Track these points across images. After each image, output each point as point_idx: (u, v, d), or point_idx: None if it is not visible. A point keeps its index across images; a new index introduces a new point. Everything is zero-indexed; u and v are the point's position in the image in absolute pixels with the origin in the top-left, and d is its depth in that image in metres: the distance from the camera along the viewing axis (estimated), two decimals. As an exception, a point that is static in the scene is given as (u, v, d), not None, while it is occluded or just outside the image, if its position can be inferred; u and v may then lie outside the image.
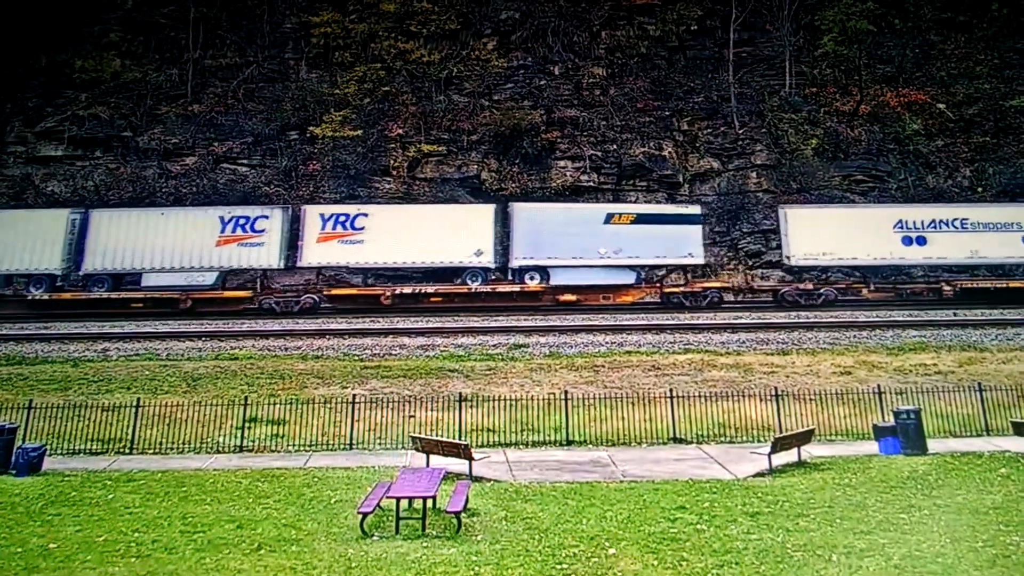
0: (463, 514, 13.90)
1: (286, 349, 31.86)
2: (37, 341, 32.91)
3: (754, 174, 51.82)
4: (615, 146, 52.36)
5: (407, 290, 41.69)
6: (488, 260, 41.85)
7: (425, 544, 12.74)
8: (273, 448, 21.34)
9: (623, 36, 58.25)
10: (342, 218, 42.32)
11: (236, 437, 21.61)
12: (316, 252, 41.66)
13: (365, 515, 13.49)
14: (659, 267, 44.62)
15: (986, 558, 11.80)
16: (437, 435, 20.97)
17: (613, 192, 51.42)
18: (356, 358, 30.45)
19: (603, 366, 28.76)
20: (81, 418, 21.96)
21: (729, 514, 14.46)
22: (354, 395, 23.48)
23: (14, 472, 17.98)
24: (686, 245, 42.41)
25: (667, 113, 54.16)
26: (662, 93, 55.32)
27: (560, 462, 19.79)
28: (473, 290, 41.60)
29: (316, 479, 17.55)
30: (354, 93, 53.89)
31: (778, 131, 52.64)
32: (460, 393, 23.96)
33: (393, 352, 31.41)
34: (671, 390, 23.64)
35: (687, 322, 36.29)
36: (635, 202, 49.83)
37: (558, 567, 11.66)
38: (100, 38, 57.37)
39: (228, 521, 14.10)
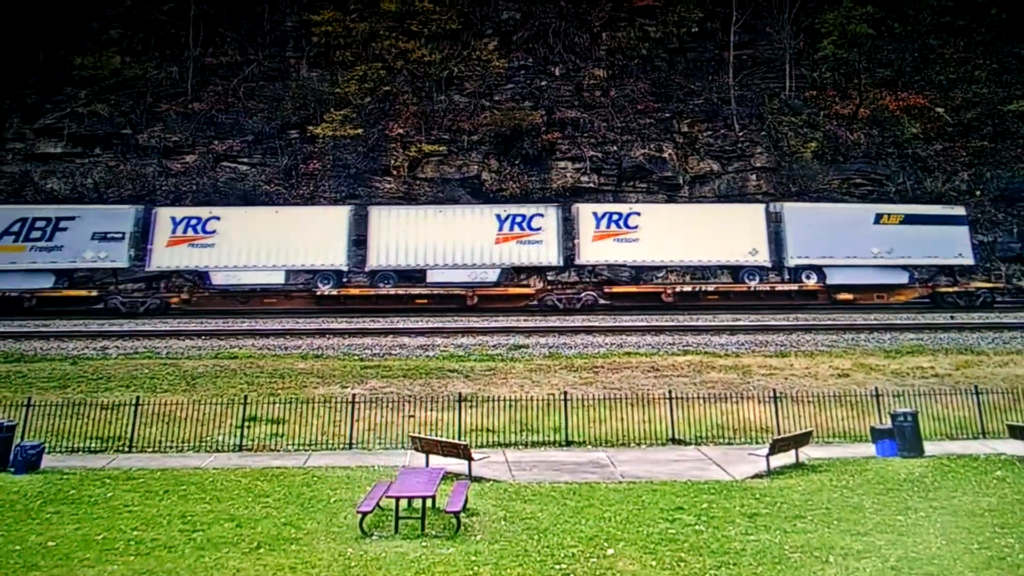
0: (462, 514, 13.94)
1: (286, 348, 31.88)
2: (36, 339, 32.89)
3: (754, 176, 51.90)
4: (615, 147, 52.42)
5: (687, 288, 42.66)
6: (764, 259, 42.11)
7: (424, 544, 12.78)
8: (272, 447, 21.35)
9: (624, 38, 58.31)
10: (615, 217, 42.86)
11: (235, 436, 21.62)
12: (592, 250, 42.30)
13: (364, 514, 13.52)
14: (926, 267, 44.74)
15: (981, 560, 11.87)
16: (437, 435, 20.98)
17: (613, 194, 51.46)
18: (356, 357, 30.47)
19: (602, 367, 28.80)
20: (80, 416, 21.93)
21: (727, 515, 14.51)
22: (354, 394, 23.51)
23: (13, 470, 17.98)
24: (954, 245, 42.64)
25: (667, 115, 54.23)
26: (662, 95, 55.39)
27: (559, 463, 19.82)
28: (752, 288, 42.03)
29: (315, 478, 17.57)
30: (355, 92, 53.88)
31: (778, 134, 52.73)
32: (460, 393, 23.98)
33: (393, 352, 31.43)
34: (670, 391, 23.67)
35: (686, 324, 36.34)
36: (636, 202, 49.88)
37: (557, 567, 11.70)
38: (100, 35, 57.40)
39: (227, 520, 14.13)
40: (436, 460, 18.78)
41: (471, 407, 23.21)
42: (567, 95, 55.61)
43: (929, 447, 20.21)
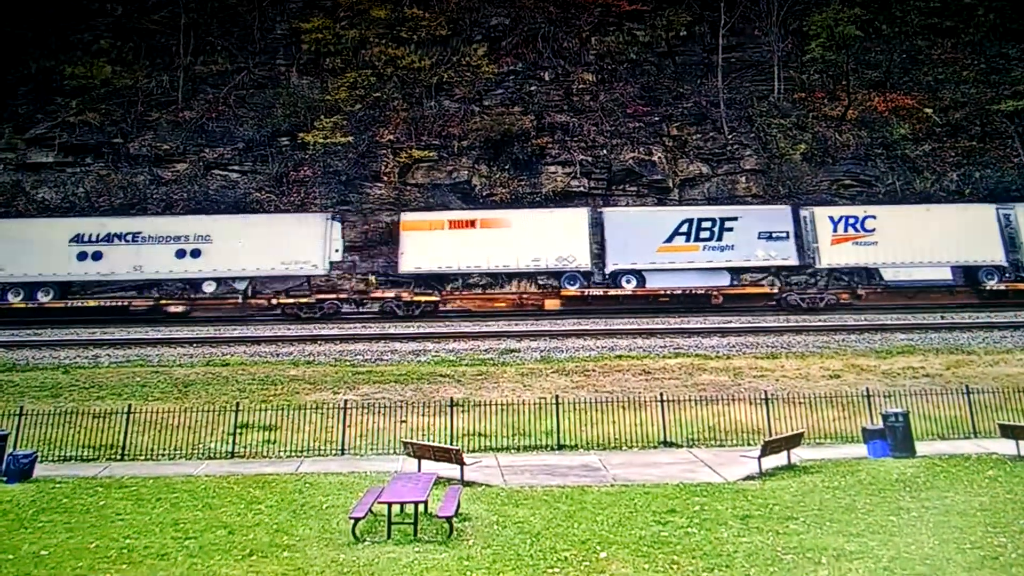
0: (455, 519, 13.95)
1: (277, 355, 31.89)
2: (28, 347, 32.88)
3: (743, 179, 52.00)
4: (605, 151, 52.48)
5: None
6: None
7: (417, 549, 12.80)
8: (265, 454, 21.35)
9: (613, 42, 58.48)
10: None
11: (227, 443, 21.61)
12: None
13: (357, 520, 13.53)
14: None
15: (974, 559, 11.93)
16: (428, 440, 21.02)
17: (603, 197, 51.54)
18: (347, 364, 30.47)
19: (594, 370, 28.85)
20: (72, 425, 21.94)
21: (719, 517, 14.55)
22: (345, 400, 23.52)
23: (5, 479, 17.96)
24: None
25: (657, 118, 54.32)
26: (652, 98, 55.51)
27: (551, 466, 19.85)
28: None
29: (308, 484, 17.57)
30: (345, 99, 53.90)
31: (767, 136, 52.86)
32: (451, 398, 24.02)
33: (384, 358, 31.45)
34: (661, 394, 23.74)
35: (677, 326, 36.41)
36: (627, 206, 50.13)
37: (549, 571, 11.74)
38: (90, 44, 57.29)
39: (220, 527, 14.12)
40: (428, 465, 18.79)
41: (463, 412, 23.23)
42: (557, 99, 55.70)
43: (921, 447, 20.29)
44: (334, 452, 21.42)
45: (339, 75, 55.94)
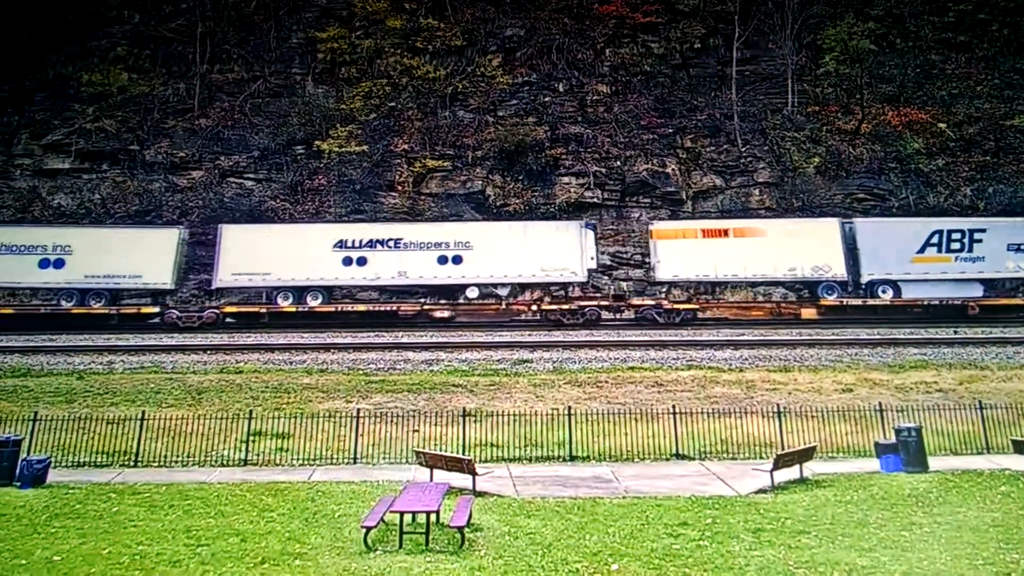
0: (466, 529, 13.94)
1: (291, 363, 31.94)
2: (43, 353, 33.01)
3: (756, 191, 52.04)
4: (619, 163, 52.60)
5: None
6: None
7: (428, 559, 12.80)
8: (277, 462, 21.38)
9: (627, 54, 58.68)
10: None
11: (240, 450, 21.65)
12: None
13: (369, 529, 13.54)
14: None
15: (987, 575, 11.88)
16: (441, 450, 21.02)
17: (616, 209, 51.60)
18: (361, 372, 30.50)
19: (606, 382, 28.80)
20: (86, 430, 22.01)
21: (731, 530, 14.51)
22: (358, 409, 23.52)
23: (19, 484, 18.03)
24: None
25: (670, 130, 54.42)
26: (665, 110, 55.62)
27: (563, 477, 19.82)
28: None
29: (320, 493, 17.59)
30: (360, 108, 54.25)
31: (780, 149, 52.87)
32: (464, 408, 24.01)
33: (397, 367, 31.47)
34: (674, 406, 23.69)
35: (690, 338, 36.36)
36: (639, 219, 50.18)
37: (561, 582, 11.75)
38: (107, 52, 57.84)
39: (232, 534, 14.16)
40: (440, 475, 18.80)
41: (475, 422, 23.25)
42: (571, 111, 55.87)
43: (933, 462, 20.19)
44: (346, 461, 21.44)
45: (354, 84, 56.34)
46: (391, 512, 14.05)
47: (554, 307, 42.18)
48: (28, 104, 55.56)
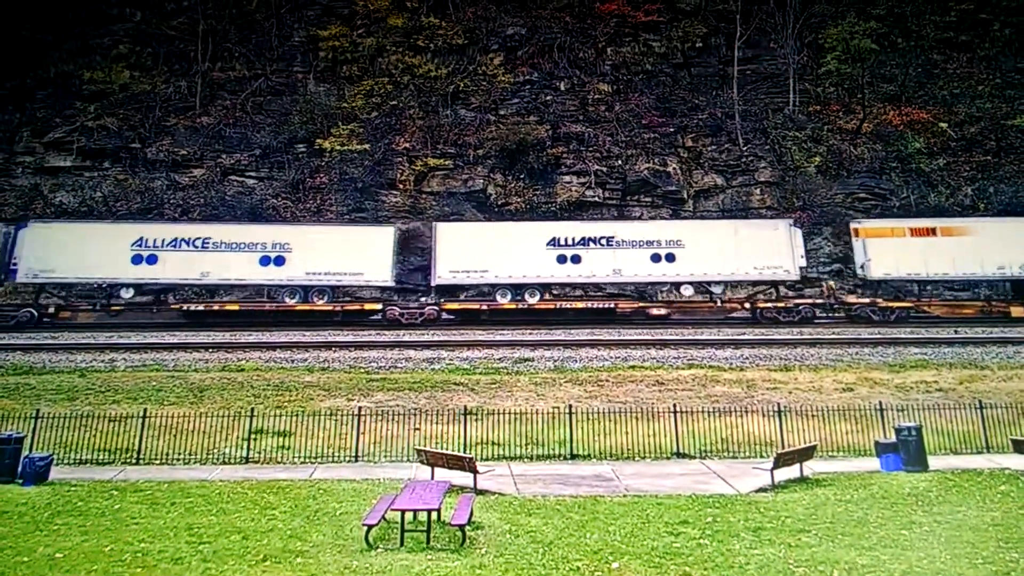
0: (467, 527, 13.97)
1: (292, 361, 31.98)
2: (45, 351, 33.05)
3: (758, 191, 52.01)
4: (620, 162, 52.56)
5: None
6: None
7: (429, 557, 12.84)
8: (279, 460, 21.41)
9: (628, 53, 58.66)
10: None
11: (242, 448, 21.69)
12: None
13: (370, 527, 13.58)
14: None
15: (986, 574, 11.91)
16: (442, 448, 21.05)
17: (618, 208, 51.61)
18: (362, 370, 30.55)
19: (607, 380, 28.85)
20: (88, 428, 22.04)
21: (732, 529, 14.55)
22: (360, 407, 23.58)
23: (21, 481, 18.07)
24: None
25: (672, 129, 54.38)
26: (667, 110, 55.60)
27: (564, 476, 19.85)
28: None
29: (321, 491, 17.63)
30: (362, 107, 54.26)
31: (782, 148, 52.85)
32: (465, 406, 24.08)
33: (399, 365, 31.51)
34: (675, 405, 23.74)
35: (690, 337, 36.40)
36: (639, 218, 50.19)
37: (562, 580, 11.79)
38: (109, 50, 57.81)
39: (234, 532, 14.20)
40: (441, 473, 18.84)
41: (476, 420, 23.28)
42: (572, 109, 55.86)
43: (933, 461, 20.23)
44: (348, 459, 21.49)
45: (356, 83, 56.34)
46: (392, 510, 14.08)
47: (769, 305, 42.76)
48: (30, 102, 55.54)
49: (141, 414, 22.27)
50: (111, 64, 55.99)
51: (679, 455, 22.00)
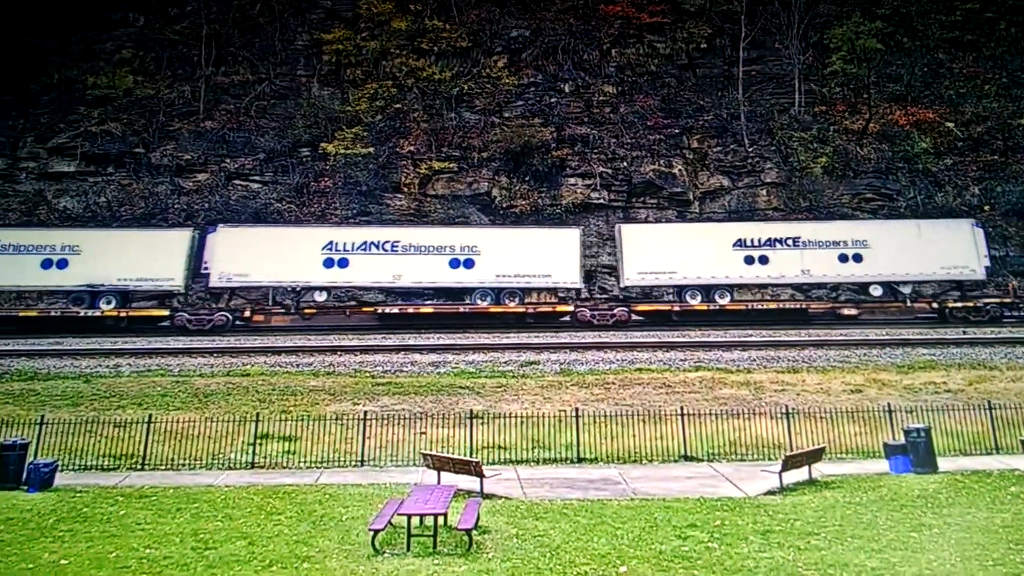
0: (474, 531, 13.93)
1: (297, 366, 31.92)
2: (50, 357, 33.02)
3: (764, 192, 51.90)
4: (625, 163, 52.51)
5: None
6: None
7: (436, 561, 12.76)
8: (284, 465, 21.38)
9: (633, 54, 58.64)
10: None
11: (247, 453, 21.66)
12: None
13: (377, 532, 13.52)
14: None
15: (997, 577, 11.82)
16: (448, 452, 21.00)
17: (623, 209, 51.54)
18: (367, 375, 30.47)
19: (614, 383, 28.74)
20: (93, 434, 22.05)
21: (740, 532, 14.46)
22: (365, 412, 23.55)
23: (26, 488, 18.07)
24: None
25: (677, 131, 54.32)
26: (672, 111, 55.54)
27: (571, 480, 19.79)
28: None
29: (328, 496, 17.58)
30: (366, 110, 54.27)
31: (787, 149, 52.74)
32: (471, 410, 24.00)
33: (404, 369, 31.43)
34: (682, 408, 23.66)
35: (698, 340, 36.28)
36: (646, 219, 50.14)
37: (569, 585, 11.70)
38: (113, 55, 58.00)
39: (240, 538, 14.14)
40: (448, 477, 18.77)
41: (482, 424, 23.21)
42: (577, 111, 55.80)
43: (943, 463, 20.11)
44: (354, 463, 21.44)
45: (360, 86, 56.41)
46: (399, 515, 14.02)
47: (959, 304, 42.58)
48: (33, 107, 55.68)
49: (146, 419, 22.24)
50: (115, 69, 56.14)
51: (686, 458, 21.91)
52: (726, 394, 27.37)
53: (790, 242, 43.16)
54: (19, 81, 56.35)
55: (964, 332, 37.42)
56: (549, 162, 52.16)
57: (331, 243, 42.36)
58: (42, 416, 22.49)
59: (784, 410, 23.25)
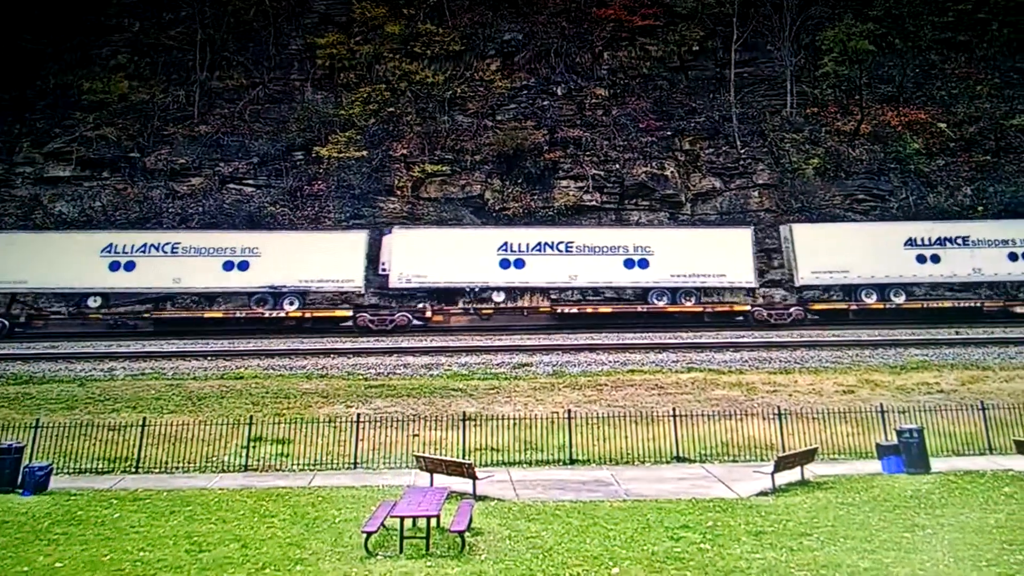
0: (467, 533, 13.95)
1: (291, 368, 31.95)
2: (44, 360, 33.01)
3: (756, 193, 51.99)
4: (617, 166, 52.55)
5: None
6: None
7: (429, 563, 12.79)
8: (278, 467, 21.40)
9: (625, 57, 58.68)
10: None
11: (241, 456, 21.67)
12: None
13: (369, 534, 13.55)
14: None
15: (989, 577, 11.87)
16: (441, 454, 21.02)
17: (616, 212, 51.60)
18: (360, 377, 30.49)
19: (606, 385, 28.80)
20: (87, 437, 22.05)
21: (732, 533, 14.50)
22: (358, 414, 23.54)
23: (21, 491, 18.07)
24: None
25: (669, 133, 54.38)
26: (664, 113, 55.59)
27: (564, 481, 19.82)
28: None
29: (321, 498, 17.60)
30: (359, 114, 54.29)
31: (779, 151, 52.84)
32: (464, 412, 24.01)
33: (397, 371, 31.48)
34: (674, 409, 23.72)
35: (690, 341, 36.36)
36: (638, 221, 50.21)
37: (562, 586, 11.73)
38: (108, 60, 57.90)
39: (233, 540, 14.16)
40: (441, 479, 18.79)
41: (475, 426, 23.22)
42: (569, 114, 55.83)
43: (935, 463, 20.18)
44: (347, 466, 21.45)
45: (353, 90, 56.41)
46: (391, 517, 14.06)
47: None
48: (29, 112, 55.56)
49: (140, 423, 22.24)
50: (110, 74, 56.03)
51: (679, 459, 21.97)
52: (718, 395, 27.45)
53: (960, 241, 43.92)
54: (15, 86, 56.25)
55: (956, 332, 37.54)
56: (541, 164, 52.19)
57: (506, 244, 43.21)
58: (37, 420, 22.46)
59: (776, 411, 23.33)
